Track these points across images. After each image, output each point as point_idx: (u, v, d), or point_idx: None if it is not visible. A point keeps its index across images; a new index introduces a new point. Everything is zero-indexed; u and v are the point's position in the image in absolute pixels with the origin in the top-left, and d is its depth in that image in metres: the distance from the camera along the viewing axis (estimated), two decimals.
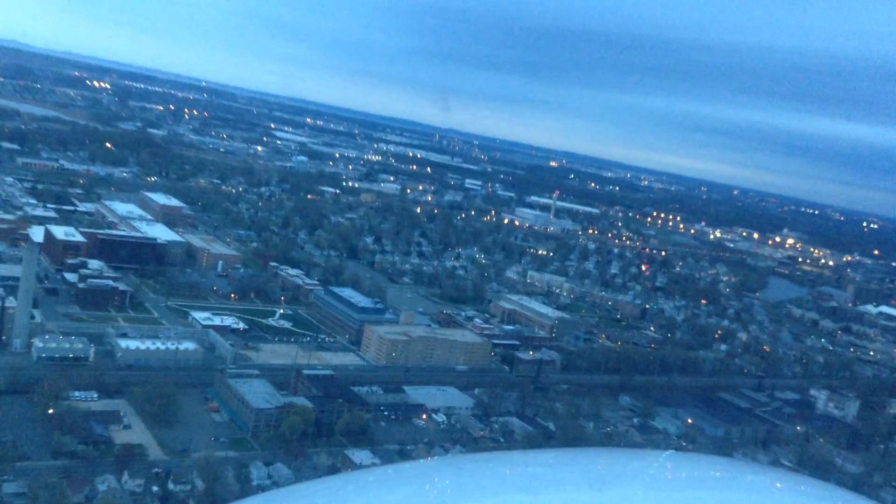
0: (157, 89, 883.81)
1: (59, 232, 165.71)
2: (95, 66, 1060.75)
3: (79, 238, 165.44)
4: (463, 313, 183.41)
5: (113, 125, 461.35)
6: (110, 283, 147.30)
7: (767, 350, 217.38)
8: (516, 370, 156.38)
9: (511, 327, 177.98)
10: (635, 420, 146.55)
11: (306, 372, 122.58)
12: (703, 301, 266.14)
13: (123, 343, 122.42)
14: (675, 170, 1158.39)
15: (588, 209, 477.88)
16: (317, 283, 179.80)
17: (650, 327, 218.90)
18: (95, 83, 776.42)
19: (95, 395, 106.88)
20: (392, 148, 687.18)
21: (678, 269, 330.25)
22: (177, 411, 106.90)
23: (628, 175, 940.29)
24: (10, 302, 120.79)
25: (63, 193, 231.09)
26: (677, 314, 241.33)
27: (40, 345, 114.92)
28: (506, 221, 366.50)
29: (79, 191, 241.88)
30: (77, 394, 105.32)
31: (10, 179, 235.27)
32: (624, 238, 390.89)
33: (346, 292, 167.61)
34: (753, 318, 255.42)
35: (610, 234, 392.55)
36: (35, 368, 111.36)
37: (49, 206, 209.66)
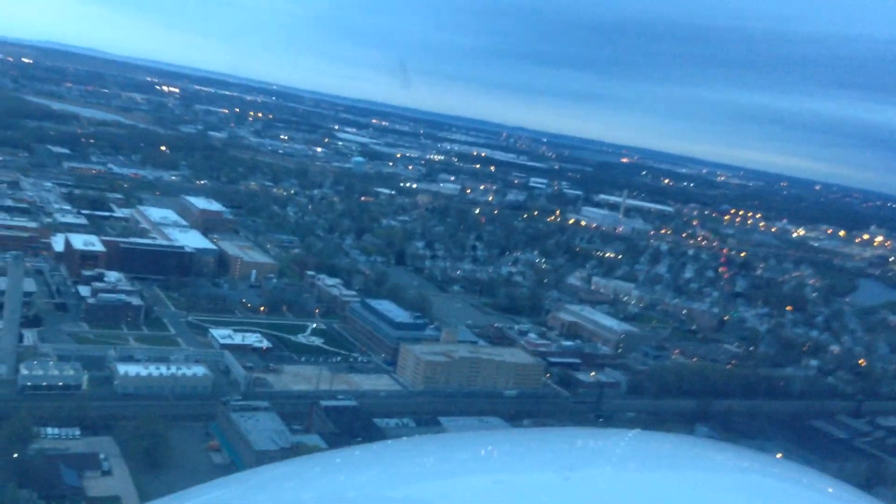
0: (225, 93, 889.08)
1: (78, 241, 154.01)
2: (169, 71, 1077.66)
3: (98, 248, 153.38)
4: (516, 326, 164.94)
5: (173, 129, 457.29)
6: (123, 297, 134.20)
7: (864, 365, 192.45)
8: (575, 395, 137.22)
9: (570, 343, 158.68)
10: None
11: (325, 403, 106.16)
12: (789, 308, 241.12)
13: (122, 369, 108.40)
14: (752, 165, 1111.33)
15: (660, 207, 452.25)
16: (354, 294, 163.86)
17: (730, 340, 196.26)
18: (164, 88, 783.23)
19: (78, 432, 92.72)
20: (456, 147, 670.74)
21: (759, 271, 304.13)
22: (170, 451, 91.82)
23: (703, 171, 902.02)
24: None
25: (101, 199, 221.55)
26: (760, 324, 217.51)
27: (26, 372, 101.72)
28: (571, 222, 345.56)
29: (119, 196, 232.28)
30: (56, 431, 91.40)
31: (48, 184, 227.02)
32: (699, 238, 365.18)
33: (384, 305, 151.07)
34: (845, 327, 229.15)
35: (684, 235, 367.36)
36: (17, 400, 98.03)
37: (83, 212, 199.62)
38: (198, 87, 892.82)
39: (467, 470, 7.34)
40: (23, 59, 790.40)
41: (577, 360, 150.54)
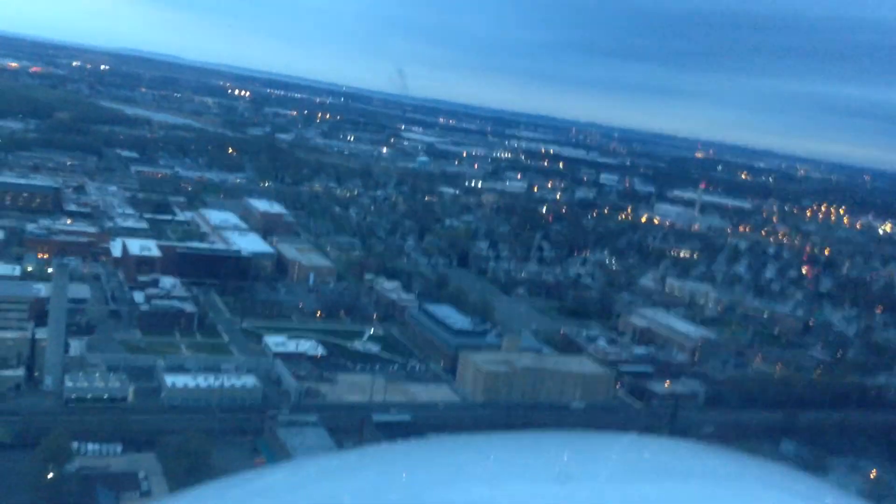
0: (295, 95, 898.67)
1: (135, 246, 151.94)
2: (242, 75, 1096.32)
3: (155, 252, 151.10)
4: (584, 332, 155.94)
5: (242, 131, 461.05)
6: (176, 303, 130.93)
7: None
8: (647, 407, 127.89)
9: (643, 350, 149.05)
10: None
11: (377, 418, 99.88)
12: (878, 309, 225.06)
13: (170, 380, 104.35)
14: (834, 158, 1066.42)
15: (738, 203, 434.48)
16: (413, 298, 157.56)
17: (816, 345, 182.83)
18: (236, 92, 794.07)
19: (119, 449, 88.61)
20: (524, 144, 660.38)
21: (845, 270, 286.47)
22: (213, 470, 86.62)
23: (782, 165, 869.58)
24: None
25: (164, 202, 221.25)
26: (848, 327, 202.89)
27: (71, 384, 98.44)
28: (643, 219, 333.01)
29: (182, 199, 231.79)
30: (96, 447, 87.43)
31: (113, 188, 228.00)
32: (780, 235, 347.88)
33: (443, 310, 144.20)
34: None
35: (764, 232, 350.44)
36: (60, 413, 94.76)
37: (145, 216, 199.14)
38: (268, 90, 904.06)
39: (463, 475, 7.21)
40: (101, 67, 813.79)
41: (651, 369, 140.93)
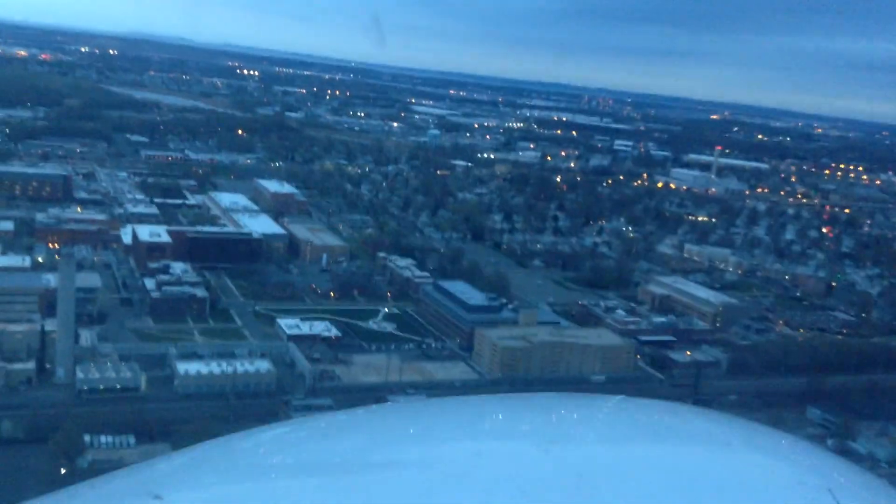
0: (305, 73, 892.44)
1: (145, 232, 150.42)
2: (250, 55, 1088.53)
3: (164, 238, 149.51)
4: (603, 303, 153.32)
5: (251, 111, 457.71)
6: (188, 289, 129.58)
7: None
8: (669, 377, 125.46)
9: (663, 319, 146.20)
10: (829, 442, 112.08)
11: (392, 399, 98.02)
12: None
13: (182, 367, 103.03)
14: (850, 115, 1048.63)
15: (755, 165, 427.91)
16: (427, 275, 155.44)
17: (839, 307, 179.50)
18: (245, 72, 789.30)
19: (133, 440, 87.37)
20: (536, 113, 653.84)
21: (866, 228, 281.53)
22: None
23: (799, 124, 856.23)
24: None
25: (174, 186, 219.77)
26: (872, 287, 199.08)
27: (82, 375, 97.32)
28: (660, 185, 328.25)
29: (192, 182, 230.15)
30: (109, 439, 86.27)
31: (123, 174, 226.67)
32: (799, 196, 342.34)
33: (457, 286, 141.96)
34: None
35: (782, 193, 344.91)
36: (73, 405, 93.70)
37: (155, 201, 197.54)
38: (277, 69, 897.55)
39: (445, 437, 7.12)
40: (110, 52, 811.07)
41: (671, 338, 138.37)
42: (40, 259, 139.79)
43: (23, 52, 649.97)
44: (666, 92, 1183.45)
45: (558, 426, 7.30)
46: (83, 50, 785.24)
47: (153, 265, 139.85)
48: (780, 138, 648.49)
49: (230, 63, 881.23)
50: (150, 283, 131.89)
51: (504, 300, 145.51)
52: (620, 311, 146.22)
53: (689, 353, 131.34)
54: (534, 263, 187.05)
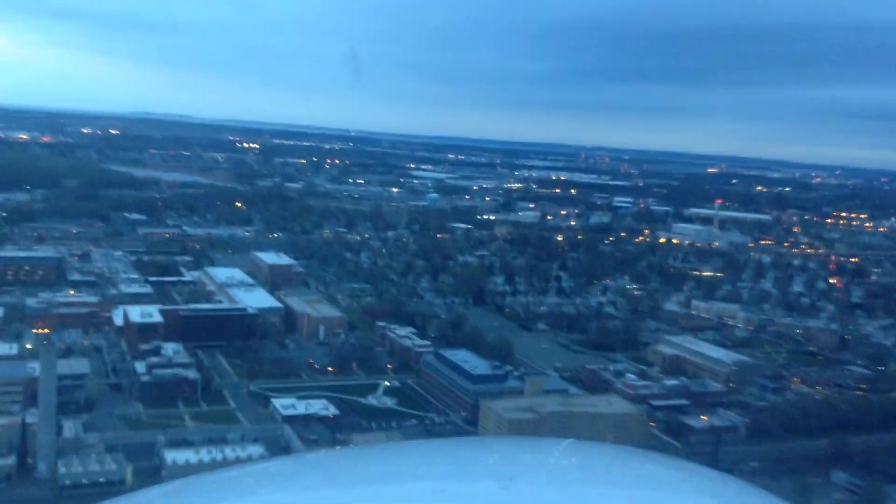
0: (304, 144, 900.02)
1: (136, 313, 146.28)
2: (251, 128, 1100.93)
3: (156, 318, 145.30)
4: (611, 367, 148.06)
5: (251, 183, 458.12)
6: (179, 371, 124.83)
7: None
8: (686, 445, 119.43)
9: (675, 381, 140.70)
10: None
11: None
12: None
13: (171, 456, 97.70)
14: (847, 162, 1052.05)
15: (756, 217, 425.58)
16: (429, 343, 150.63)
17: (855, 360, 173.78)
18: (245, 145, 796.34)
19: None
20: (534, 173, 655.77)
21: (875, 277, 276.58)
22: None
23: (797, 174, 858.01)
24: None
25: (170, 263, 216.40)
26: (886, 338, 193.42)
27: (64, 469, 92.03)
28: (662, 241, 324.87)
29: (189, 258, 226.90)
30: None
31: (118, 253, 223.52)
32: (803, 246, 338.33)
33: (460, 355, 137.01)
34: None
35: (786, 244, 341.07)
36: (53, 501, 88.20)
37: (150, 279, 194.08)
38: (277, 141, 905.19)
39: (404, 479, 7.37)
40: (111, 131, 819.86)
41: (685, 402, 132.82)
42: (29, 346, 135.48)
43: (24, 136, 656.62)
44: (663, 147, 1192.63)
45: (511, 469, 7.38)
46: (85, 131, 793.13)
47: (144, 347, 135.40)
48: (780, 189, 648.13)
49: (231, 137, 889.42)
50: (140, 367, 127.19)
51: (509, 368, 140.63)
52: (630, 375, 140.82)
53: (704, 417, 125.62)
54: (538, 326, 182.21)
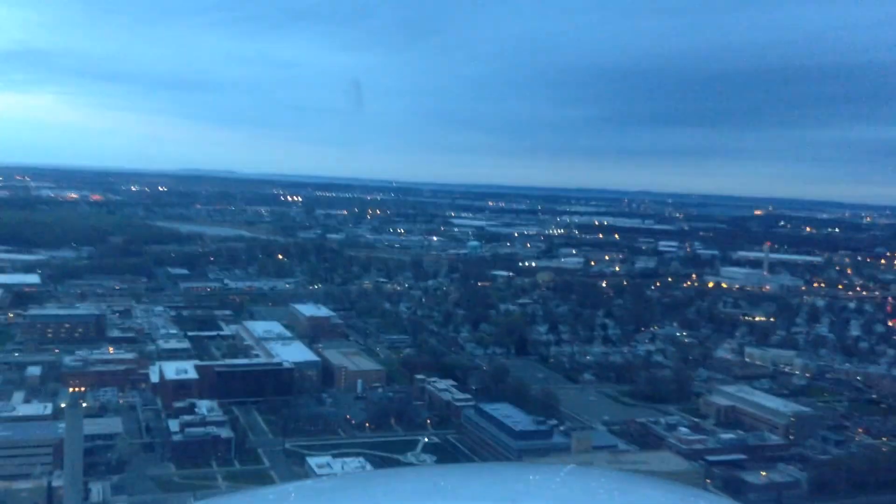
0: (346, 195, 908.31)
1: (171, 370, 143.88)
2: (294, 182, 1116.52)
3: (191, 374, 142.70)
4: (663, 420, 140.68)
5: (293, 236, 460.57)
6: (213, 430, 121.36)
7: None
8: (745, 503, 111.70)
9: (731, 435, 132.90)
10: None
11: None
12: None
13: None
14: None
15: (807, 258, 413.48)
16: (469, 397, 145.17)
17: None
18: (289, 198, 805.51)
19: None
20: (576, 219, 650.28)
21: None
22: None
23: (846, 214, 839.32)
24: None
25: (209, 318, 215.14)
26: None
27: None
28: (710, 285, 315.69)
29: (228, 312, 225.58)
30: None
31: (159, 309, 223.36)
32: (858, 288, 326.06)
33: (502, 409, 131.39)
34: None
35: (840, 286, 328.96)
36: None
37: (189, 334, 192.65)
38: (319, 194, 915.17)
39: (412, 502, 7.65)
40: (159, 188, 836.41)
41: (742, 457, 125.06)
42: (63, 405, 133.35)
43: (74, 195, 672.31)
44: (707, 190, 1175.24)
45: (515, 493, 7.55)
46: (133, 189, 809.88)
47: (179, 404, 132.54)
48: (829, 230, 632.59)
49: (274, 191, 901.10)
50: (173, 425, 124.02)
51: (554, 422, 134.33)
52: (683, 429, 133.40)
53: (764, 473, 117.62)
54: (584, 377, 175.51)
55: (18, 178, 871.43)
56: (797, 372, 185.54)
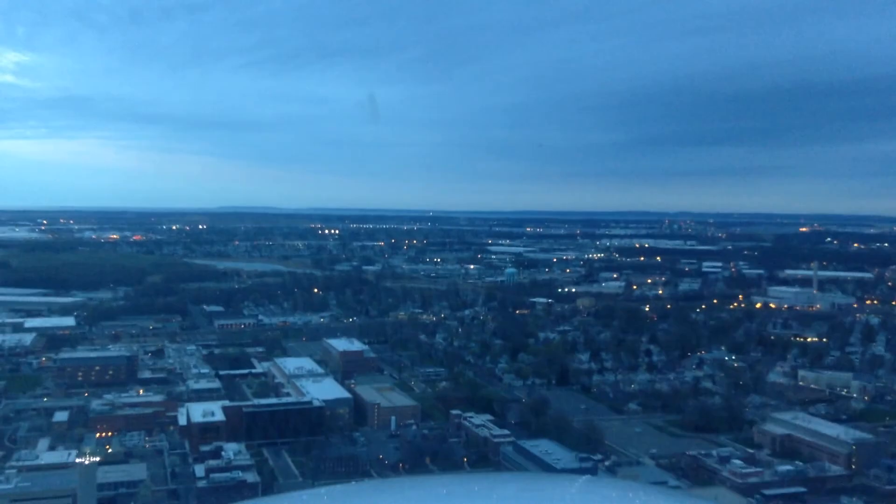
0: (382, 226, 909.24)
1: (198, 412, 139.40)
2: (331, 215, 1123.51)
3: (219, 416, 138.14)
4: (715, 452, 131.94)
5: (329, 269, 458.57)
6: (238, 474, 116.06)
7: None
8: None
9: (789, 466, 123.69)
10: None
11: None
12: None
13: None
14: None
15: (857, 275, 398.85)
16: (507, 433, 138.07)
17: None
18: (326, 231, 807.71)
19: None
20: (616, 242, 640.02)
21: None
22: None
23: (894, 227, 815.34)
24: None
25: (242, 355, 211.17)
26: None
27: None
28: (758, 306, 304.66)
29: (261, 349, 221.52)
30: None
31: (191, 348, 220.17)
32: None
33: (542, 445, 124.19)
34: None
35: (894, 302, 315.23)
36: None
37: (221, 373, 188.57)
38: (355, 226, 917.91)
39: None
40: (199, 226, 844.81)
41: (802, 489, 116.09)
42: (88, 452, 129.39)
43: (115, 236, 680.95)
44: (748, 209, 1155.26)
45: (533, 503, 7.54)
46: (174, 228, 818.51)
47: (206, 448, 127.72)
48: (878, 245, 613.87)
49: (311, 225, 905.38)
50: (199, 470, 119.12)
51: (598, 457, 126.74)
52: (737, 461, 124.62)
53: None
54: (629, 407, 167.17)
55: (63, 221, 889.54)
56: (855, 395, 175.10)
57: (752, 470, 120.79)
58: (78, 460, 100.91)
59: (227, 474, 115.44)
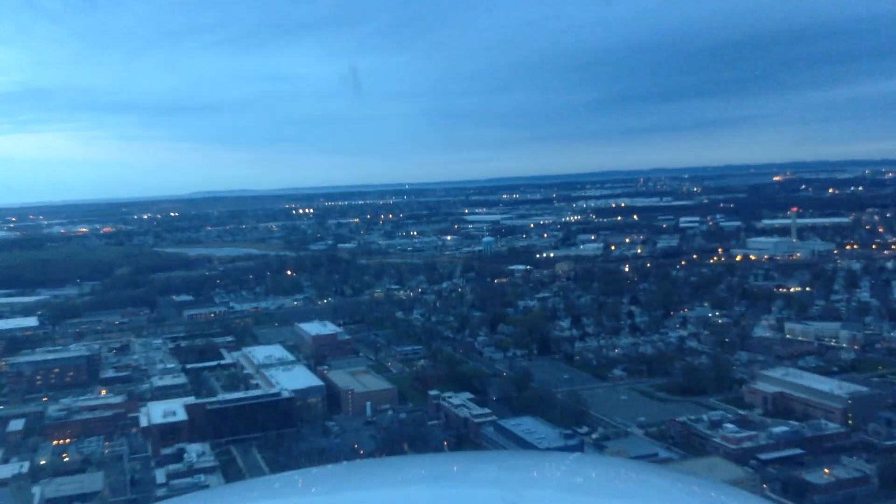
0: (358, 202, 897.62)
1: (158, 412, 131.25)
2: (306, 195, 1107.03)
3: (180, 416, 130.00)
4: (705, 416, 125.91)
5: (303, 249, 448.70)
6: (201, 478, 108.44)
7: None
8: None
9: (784, 427, 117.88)
10: None
11: None
12: None
13: None
14: None
15: (835, 220, 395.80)
16: (488, 411, 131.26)
17: None
18: (300, 211, 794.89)
19: None
20: (592, 204, 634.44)
21: None
22: None
23: (867, 171, 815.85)
24: None
25: (210, 347, 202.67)
26: None
27: None
28: (738, 258, 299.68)
29: (230, 338, 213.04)
30: None
31: (157, 342, 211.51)
32: (893, 246, 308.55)
33: (524, 423, 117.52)
34: None
35: (874, 246, 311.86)
36: None
37: (188, 366, 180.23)
38: (330, 204, 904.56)
39: (412, 492, 7.35)
40: (170, 214, 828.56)
41: (800, 451, 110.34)
42: (43, 462, 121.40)
43: (84, 229, 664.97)
44: (722, 162, 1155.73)
45: (519, 482, 7.34)
46: (145, 217, 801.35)
47: (167, 450, 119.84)
48: (853, 189, 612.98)
49: (286, 206, 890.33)
50: (160, 475, 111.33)
51: (584, 430, 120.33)
52: (729, 425, 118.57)
53: (827, 471, 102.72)
54: (614, 373, 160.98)
55: (31, 217, 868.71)
56: (844, 345, 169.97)
57: (746, 434, 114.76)
58: (7, 488, 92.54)
59: (188, 479, 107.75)
